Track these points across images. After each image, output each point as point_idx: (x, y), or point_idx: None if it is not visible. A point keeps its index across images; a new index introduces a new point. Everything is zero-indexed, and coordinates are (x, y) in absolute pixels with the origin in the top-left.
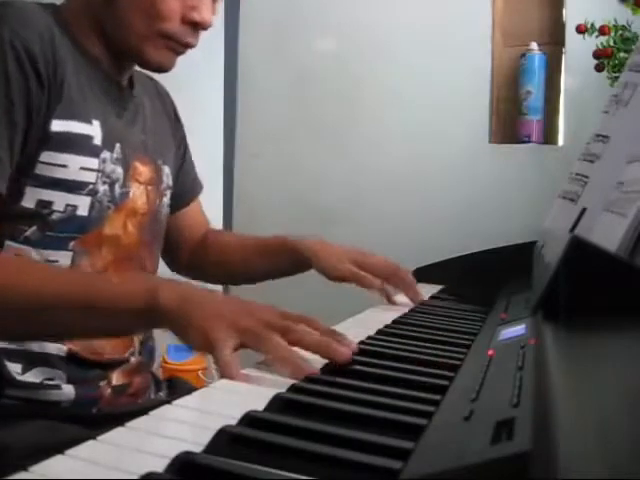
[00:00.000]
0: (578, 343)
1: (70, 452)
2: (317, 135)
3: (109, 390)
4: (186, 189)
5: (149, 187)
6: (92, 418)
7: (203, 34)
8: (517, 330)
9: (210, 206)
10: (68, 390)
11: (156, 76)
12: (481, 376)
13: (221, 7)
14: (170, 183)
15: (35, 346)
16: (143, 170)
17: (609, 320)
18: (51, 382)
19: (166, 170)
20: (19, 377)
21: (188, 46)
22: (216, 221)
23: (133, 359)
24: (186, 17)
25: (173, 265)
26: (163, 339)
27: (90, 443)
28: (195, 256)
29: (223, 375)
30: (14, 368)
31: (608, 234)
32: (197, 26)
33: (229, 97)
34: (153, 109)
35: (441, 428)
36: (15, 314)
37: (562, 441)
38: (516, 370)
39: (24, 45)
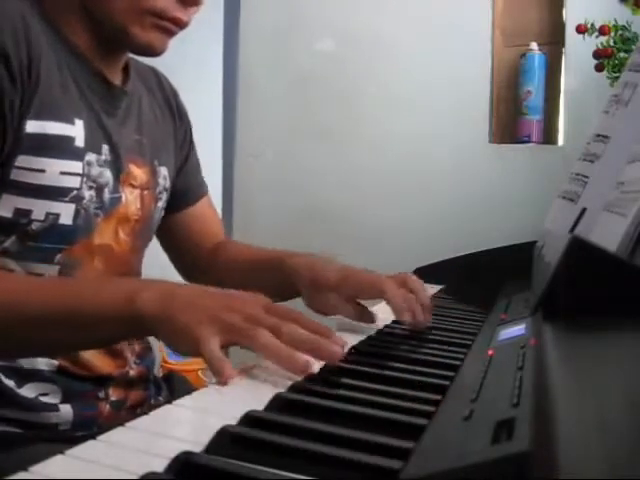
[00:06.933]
0: (578, 343)
1: (70, 452)
2: (317, 136)
3: (107, 406)
4: (188, 189)
5: (145, 192)
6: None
7: (203, 36)
8: (517, 330)
9: None
10: (66, 410)
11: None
12: (481, 376)
13: None
14: (167, 185)
15: (25, 363)
16: (138, 174)
17: (609, 320)
18: (47, 399)
19: (163, 172)
20: (16, 391)
21: (178, 23)
22: None
23: (132, 372)
24: None
25: (184, 271)
26: None
27: (90, 443)
28: (204, 267)
29: (214, 374)
30: (9, 383)
31: (608, 234)
32: (185, 1)
33: (229, 98)
34: (152, 104)
35: (441, 428)
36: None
37: (562, 441)
38: (516, 370)
39: None
